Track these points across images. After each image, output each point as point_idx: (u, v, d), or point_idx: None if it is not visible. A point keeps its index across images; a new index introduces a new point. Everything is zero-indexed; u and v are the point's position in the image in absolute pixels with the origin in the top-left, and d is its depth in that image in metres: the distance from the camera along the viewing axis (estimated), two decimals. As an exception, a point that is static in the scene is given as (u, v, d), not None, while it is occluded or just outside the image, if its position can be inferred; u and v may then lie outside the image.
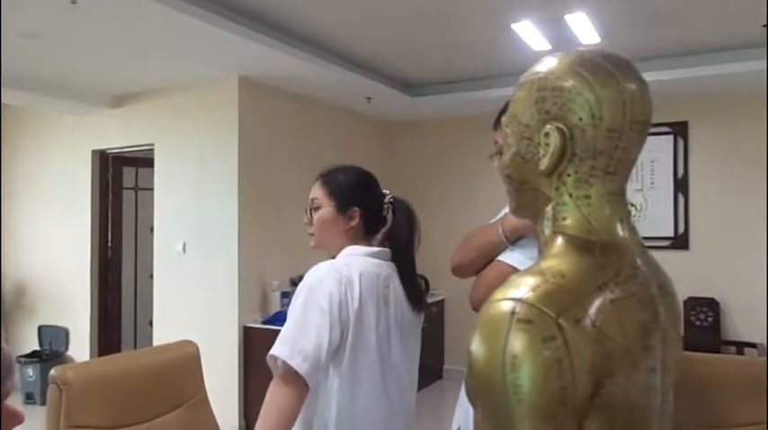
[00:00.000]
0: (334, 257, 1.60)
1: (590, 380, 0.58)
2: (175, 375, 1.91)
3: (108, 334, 4.94)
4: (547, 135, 0.68)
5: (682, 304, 4.64)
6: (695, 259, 4.78)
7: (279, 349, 1.42)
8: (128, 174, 5.16)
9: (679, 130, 4.87)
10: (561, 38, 3.89)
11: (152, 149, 4.60)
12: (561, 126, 0.67)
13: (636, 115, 0.67)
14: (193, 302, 4.32)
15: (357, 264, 1.54)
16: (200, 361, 2.01)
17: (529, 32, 3.80)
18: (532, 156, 0.70)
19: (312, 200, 1.63)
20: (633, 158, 0.70)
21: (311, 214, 1.63)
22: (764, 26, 3.59)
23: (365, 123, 5.64)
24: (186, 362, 1.97)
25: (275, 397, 1.45)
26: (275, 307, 4.37)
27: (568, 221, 0.68)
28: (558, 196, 0.69)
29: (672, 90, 4.52)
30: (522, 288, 0.60)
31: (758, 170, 4.63)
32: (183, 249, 4.41)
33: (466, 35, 3.85)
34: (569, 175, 0.68)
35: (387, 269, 1.58)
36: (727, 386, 1.86)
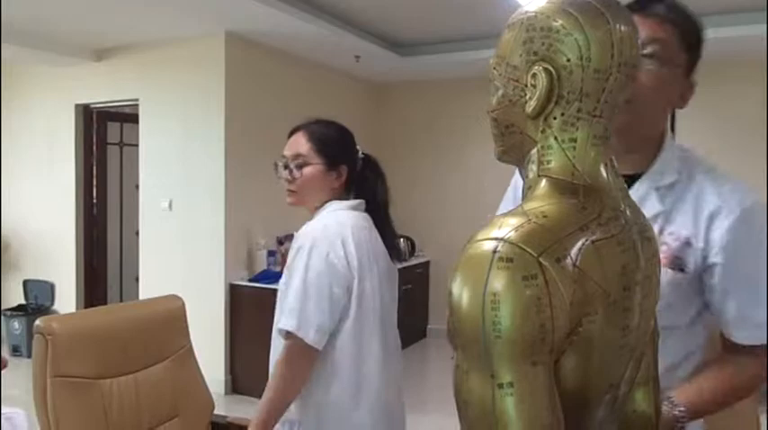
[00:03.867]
0: (311, 213, 1.61)
1: (568, 318, 0.59)
2: (161, 328, 1.93)
3: (94, 289, 4.94)
4: (534, 76, 0.67)
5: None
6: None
7: (288, 322, 1.47)
8: (112, 129, 5.08)
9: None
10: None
11: (137, 105, 4.52)
12: (549, 67, 0.66)
13: (624, 57, 0.67)
14: (180, 259, 4.33)
15: (347, 219, 1.54)
16: (185, 315, 2.02)
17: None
18: (519, 98, 0.70)
19: (296, 155, 1.60)
20: (618, 102, 0.69)
21: (291, 170, 1.60)
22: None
23: (354, 83, 5.57)
24: (172, 316, 1.99)
25: (289, 365, 1.50)
26: (261, 265, 4.39)
27: (553, 164, 0.68)
28: (544, 139, 0.69)
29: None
30: (505, 228, 0.61)
31: (743, 136, 4.66)
32: (170, 206, 4.38)
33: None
34: (555, 118, 0.68)
35: (369, 221, 1.62)
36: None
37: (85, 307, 4.81)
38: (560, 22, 0.66)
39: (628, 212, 0.69)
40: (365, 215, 1.62)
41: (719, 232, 0.98)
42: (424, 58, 5.00)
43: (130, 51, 4.51)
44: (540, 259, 0.58)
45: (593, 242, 0.62)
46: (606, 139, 0.69)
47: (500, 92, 0.72)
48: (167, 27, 4.05)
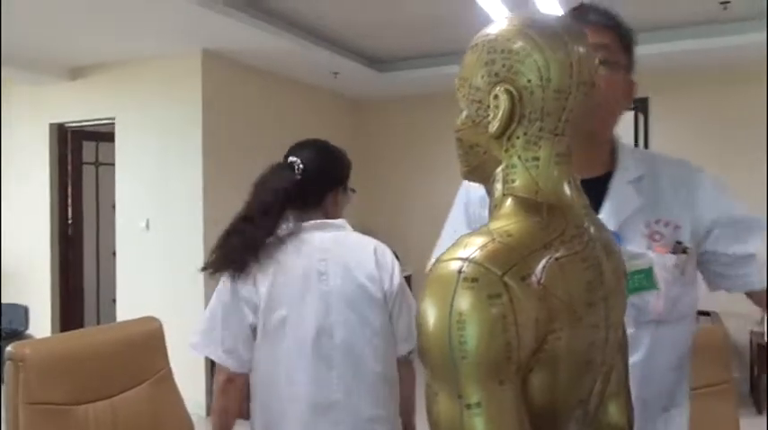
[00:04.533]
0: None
1: (534, 336, 0.60)
2: (138, 351, 1.90)
3: (70, 312, 4.85)
4: (496, 97, 0.69)
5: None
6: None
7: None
8: (88, 148, 5.02)
9: (640, 106, 4.96)
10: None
11: (113, 123, 4.48)
12: (510, 88, 0.68)
13: (582, 76, 0.68)
14: (158, 279, 4.27)
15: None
16: (163, 337, 1.99)
17: (494, 6, 3.80)
18: (482, 118, 0.71)
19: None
20: (577, 121, 0.71)
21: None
22: (722, 3, 3.66)
23: (332, 100, 5.59)
24: (149, 338, 1.96)
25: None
26: (242, 283, 4.34)
27: (517, 183, 0.69)
28: (508, 158, 0.70)
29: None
30: (470, 248, 0.61)
31: (715, 144, 4.75)
32: (147, 226, 4.33)
33: (432, 8, 3.82)
34: (518, 138, 0.69)
35: (336, 241, 1.55)
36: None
37: (62, 330, 4.71)
38: (520, 44, 0.68)
39: (591, 229, 0.71)
40: (332, 236, 1.54)
41: (703, 201, 1.04)
42: (402, 73, 5.03)
43: (106, 69, 4.48)
44: (505, 278, 0.59)
45: (556, 259, 0.63)
46: (569, 157, 0.71)
47: (464, 113, 0.73)
48: (143, 45, 4.03)
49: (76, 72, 4.60)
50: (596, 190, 1.03)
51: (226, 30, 3.67)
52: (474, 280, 0.58)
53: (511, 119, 0.68)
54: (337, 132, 5.31)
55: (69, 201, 4.88)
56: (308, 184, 1.54)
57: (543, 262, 0.62)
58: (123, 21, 3.54)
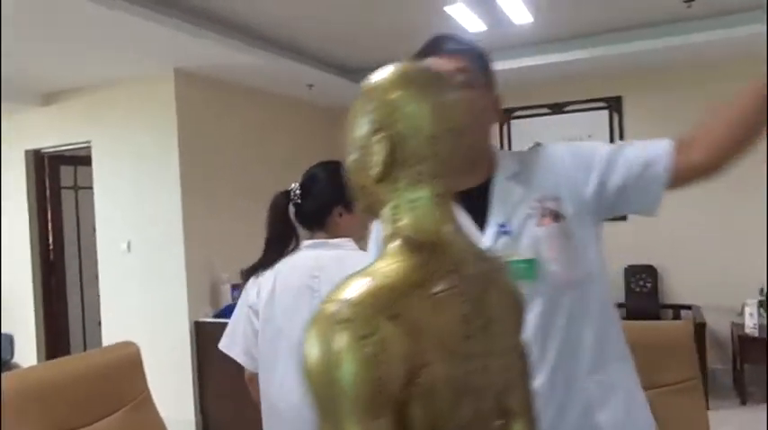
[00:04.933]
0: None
1: (405, 371, 0.65)
2: (115, 377, 1.91)
3: (56, 337, 4.84)
4: (376, 143, 0.74)
5: (623, 272, 4.87)
6: (633, 229, 4.94)
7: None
8: (66, 173, 5.02)
9: (614, 105, 5.03)
10: (494, 18, 3.95)
11: (89, 147, 4.48)
12: (388, 135, 0.74)
13: (453, 122, 0.74)
14: (142, 300, 4.27)
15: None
16: (140, 361, 2.00)
17: (463, 14, 3.84)
18: (367, 163, 0.77)
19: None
20: (456, 162, 0.77)
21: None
22: (685, 1, 3.73)
23: (308, 110, 5.61)
24: (127, 363, 1.97)
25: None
26: (226, 300, 4.35)
27: (402, 223, 0.75)
28: (393, 199, 0.76)
29: (606, 66, 4.65)
30: (349, 289, 0.66)
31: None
32: (128, 247, 4.33)
33: (402, 18, 3.87)
34: (400, 180, 0.75)
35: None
36: (657, 349, 1.99)
37: (47, 356, 4.69)
38: (397, 93, 0.74)
39: (473, 264, 0.75)
40: (332, 254, 1.64)
41: (575, 165, 1.15)
42: (376, 82, 5.06)
43: (79, 94, 4.49)
44: (377, 318, 0.64)
45: (430, 297, 0.68)
46: (448, 197, 0.76)
47: (351, 156, 0.79)
48: (114, 67, 4.04)
49: (50, 97, 4.60)
50: (483, 195, 1.15)
51: (197, 49, 3.69)
52: (348, 320, 0.63)
53: (391, 164, 0.74)
54: (314, 143, 5.35)
55: (49, 226, 4.87)
56: (305, 208, 1.67)
57: (415, 300, 0.67)
58: (94, 44, 3.56)
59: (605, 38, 4.27)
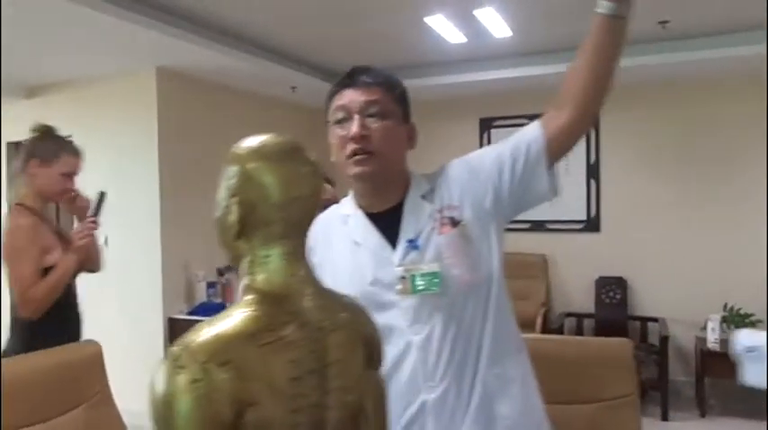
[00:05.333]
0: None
1: (232, 411, 0.75)
2: (74, 375, 1.96)
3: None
4: (233, 205, 0.85)
5: (593, 283, 4.96)
6: (605, 241, 5.06)
7: None
8: (48, 166, 5.01)
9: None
10: (474, 31, 4.02)
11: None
12: (241, 200, 0.85)
13: (300, 191, 0.86)
14: (118, 296, 4.33)
15: None
16: (102, 360, 2.06)
17: (443, 26, 3.91)
18: (227, 222, 0.88)
19: None
20: (306, 224, 0.88)
21: None
22: (660, 23, 3.82)
23: (291, 111, 5.66)
24: (86, 362, 2.02)
25: None
26: (201, 297, 4.41)
27: (255, 277, 0.86)
28: (249, 255, 0.87)
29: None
30: (192, 336, 0.77)
31: (662, 156, 4.93)
32: (105, 243, 4.36)
33: (383, 25, 3.93)
34: (254, 239, 0.86)
35: None
36: (598, 365, 2.07)
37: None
38: (252, 164, 0.85)
39: (313, 314, 0.86)
40: None
41: (471, 176, 1.27)
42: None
43: (61, 88, 4.53)
44: (207, 365, 0.74)
45: (258, 346, 0.78)
46: (296, 254, 0.87)
47: (216, 213, 0.90)
48: (98, 63, 4.09)
49: (33, 91, 4.63)
50: (398, 214, 1.25)
51: (178, 48, 3.75)
52: (182, 366, 0.74)
53: (243, 226, 0.85)
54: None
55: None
56: None
57: (244, 348, 0.77)
58: (77, 40, 3.60)
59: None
